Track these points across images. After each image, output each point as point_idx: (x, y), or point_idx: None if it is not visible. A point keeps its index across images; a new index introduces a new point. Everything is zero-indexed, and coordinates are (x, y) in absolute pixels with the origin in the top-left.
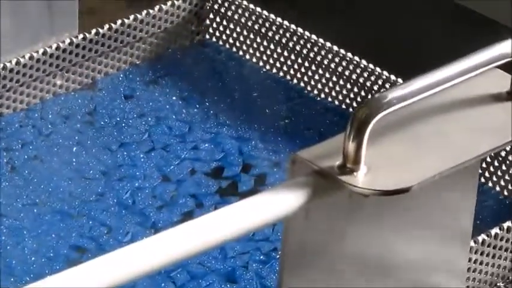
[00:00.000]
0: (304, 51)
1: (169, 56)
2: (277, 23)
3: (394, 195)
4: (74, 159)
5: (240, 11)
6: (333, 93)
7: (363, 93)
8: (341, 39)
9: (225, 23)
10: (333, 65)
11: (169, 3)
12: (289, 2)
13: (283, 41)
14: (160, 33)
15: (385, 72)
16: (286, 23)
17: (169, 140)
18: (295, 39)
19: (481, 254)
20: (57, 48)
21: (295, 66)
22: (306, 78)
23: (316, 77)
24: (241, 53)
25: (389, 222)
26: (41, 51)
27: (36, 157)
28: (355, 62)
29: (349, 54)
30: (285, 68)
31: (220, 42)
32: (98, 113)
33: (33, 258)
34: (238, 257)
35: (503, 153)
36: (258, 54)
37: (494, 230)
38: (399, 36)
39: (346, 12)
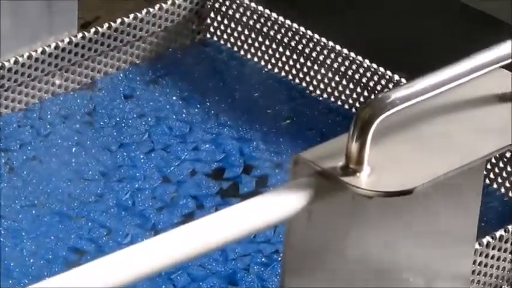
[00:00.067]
0: (307, 50)
1: (170, 55)
2: (279, 22)
3: (397, 196)
4: (73, 160)
5: (241, 9)
6: (336, 93)
7: (365, 93)
8: (344, 38)
9: (226, 21)
10: (335, 65)
11: (169, 1)
12: (291, 0)
13: (285, 40)
14: (161, 32)
15: (388, 72)
16: (288, 22)
17: (170, 141)
18: (297, 38)
19: (486, 256)
20: (56, 47)
21: (297, 66)
22: (308, 78)
23: (319, 76)
24: (242, 52)
25: (393, 224)
26: (39, 50)
27: (35, 158)
28: (358, 62)
29: (352, 54)
30: (286, 68)
31: (222, 42)
32: (98, 113)
33: (31, 260)
34: (240, 259)
35: (508, 154)
36: (259, 53)
37: (499, 232)
38: (403, 36)
39: (349, 11)
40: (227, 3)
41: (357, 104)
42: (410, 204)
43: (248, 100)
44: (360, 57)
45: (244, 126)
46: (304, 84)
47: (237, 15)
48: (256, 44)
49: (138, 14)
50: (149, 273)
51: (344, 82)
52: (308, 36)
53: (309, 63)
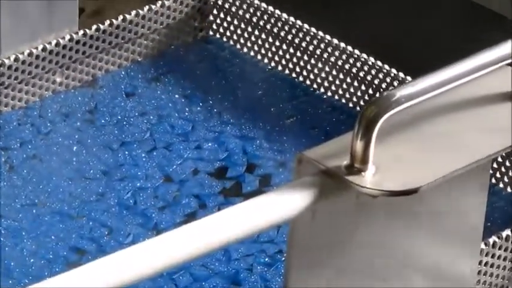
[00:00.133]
0: (311, 48)
1: (172, 52)
2: (283, 19)
3: (402, 196)
4: (74, 159)
5: (244, 6)
6: (340, 91)
7: (370, 91)
8: (348, 36)
9: (229, 19)
10: (340, 62)
11: None
12: None
13: (289, 37)
14: (163, 30)
15: (393, 70)
16: (291, 19)
17: (172, 139)
18: (301, 35)
19: (492, 256)
20: (57, 44)
21: (301, 64)
22: (312, 76)
23: (323, 74)
24: (245, 49)
25: (398, 224)
26: (40, 47)
27: (35, 156)
28: (362, 59)
29: (357, 51)
30: (290, 66)
31: (224, 39)
32: (99, 111)
33: (32, 260)
34: (243, 259)
35: None
36: (262, 51)
37: (506, 232)
38: (408, 33)
39: (354, 8)
40: (230, 0)
41: (362, 102)
42: (416, 203)
43: (251, 98)
44: (364, 55)
45: (248, 125)
46: (308, 82)
47: (240, 12)
48: (260, 42)
49: (140, 11)
50: (151, 274)
51: (348, 80)
52: (312, 34)
53: (312, 61)
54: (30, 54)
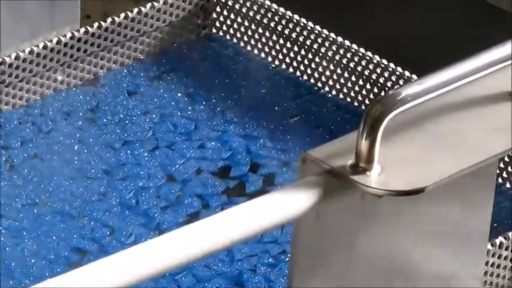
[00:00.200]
0: (315, 46)
1: (175, 50)
2: (287, 17)
3: (408, 195)
4: (75, 158)
5: (248, 4)
6: (345, 90)
7: (375, 89)
8: (354, 34)
9: (232, 16)
10: (344, 61)
11: None
12: None
13: (293, 35)
14: (165, 27)
15: (399, 68)
16: (296, 16)
17: (175, 138)
18: (305, 33)
19: (499, 257)
20: (58, 42)
21: (306, 62)
22: (316, 74)
23: (327, 72)
24: (249, 47)
25: (403, 224)
26: (41, 45)
27: (36, 155)
28: (367, 58)
29: (362, 50)
30: (294, 64)
31: (228, 37)
32: (100, 109)
33: (32, 261)
34: (246, 260)
35: None
36: (266, 49)
37: None
38: (414, 31)
39: (358, 5)
40: None
41: (367, 101)
42: (421, 203)
43: (255, 97)
44: (369, 53)
45: (251, 124)
46: (312, 80)
47: (244, 10)
48: (263, 39)
49: (142, 9)
50: (153, 274)
51: (353, 78)
52: (317, 31)
53: (317, 59)
54: (31, 52)
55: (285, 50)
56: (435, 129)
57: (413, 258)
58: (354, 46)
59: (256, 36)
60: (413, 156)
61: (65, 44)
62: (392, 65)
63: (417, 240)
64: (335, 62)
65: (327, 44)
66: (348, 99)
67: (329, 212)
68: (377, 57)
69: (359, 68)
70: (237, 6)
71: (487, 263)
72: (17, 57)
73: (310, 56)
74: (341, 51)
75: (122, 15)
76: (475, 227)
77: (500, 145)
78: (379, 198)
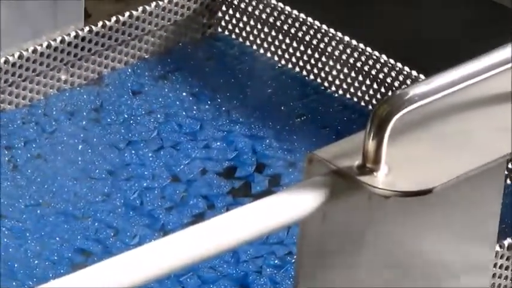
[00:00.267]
0: (322, 45)
1: (180, 50)
2: (293, 16)
3: (416, 196)
4: (79, 158)
5: (254, 3)
6: (351, 90)
7: (382, 89)
8: (360, 33)
9: (238, 15)
10: (351, 60)
11: None
12: None
13: (300, 34)
14: (170, 26)
15: (406, 68)
16: (302, 15)
17: (179, 138)
18: (312, 32)
19: (507, 259)
20: (62, 41)
21: (312, 61)
22: (322, 74)
23: (334, 72)
24: (255, 47)
25: (411, 225)
26: (44, 44)
27: (40, 156)
28: (374, 57)
29: (369, 49)
30: (301, 63)
31: (233, 36)
32: (105, 109)
33: (36, 262)
34: (252, 261)
35: None
36: (272, 48)
37: None
38: (421, 31)
39: (365, 4)
40: None
41: (374, 101)
42: (429, 204)
43: (261, 96)
44: (376, 53)
45: (257, 124)
46: (318, 80)
47: (249, 9)
48: (269, 39)
49: (147, 7)
50: (158, 276)
51: (360, 78)
52: (323, 31)
53: (323, 59)
54: (34, 51)
55: (291, 49)
56: (443, 130)
57: (421, 259)
58: (361, 45)
59: (262, 35)
60: (420, 156)
61: (69, 43)
62: (399, 65)
63: (424, 241)
64: (342, 61)
65: (333, 43)
66: (355, 99)
67: (336, 213)
68: (384, 57)
69: (366, 68)
70: (242, 5)
71: (495, 265)
72: (20, 56)
73: (316, 55)
74: (348, 50)
75: (127, 13)
76: (483, 228)
77: (508, 145)
78: (386, 199)
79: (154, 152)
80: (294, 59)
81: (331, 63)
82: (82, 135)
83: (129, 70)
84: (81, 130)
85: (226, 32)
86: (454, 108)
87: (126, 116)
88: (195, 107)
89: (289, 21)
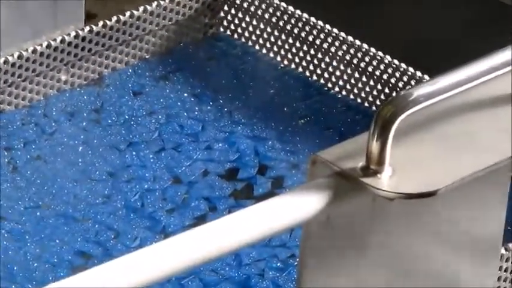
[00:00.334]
0: (325, 45)
1: (181, 50)
2: (296, 16)
3: (420, 198)
4: (79, 159)
5: (256, 2)
6: (355, 90)
7: (387, 90)
8: (364, 34)
9: (240, 15)
10: (355, 60)
11: None
12: None
13: (302, 35)
14: (172, 26)
15: (410, 69)
16: (305, 15)
17: (181, 140)
18: (315, 32)
19: None
20: (62, 41)
21: (315, 62)
22: (326, 75)
23: (337, 73)
24: (257, 47)
25: (415, 227)
26: (44, 44)
27: (39, 157)
28: (378, 58)
29: (373, 49)
30: (304, 64)
31: (235, 36)
32: (105, 110)
33: (35, 264)
34: (254, 264)
35: None
36: (275, 48)
37: None
38: (425, 31)
39: (369, 4)
40: None
41: (378, 102)
42: (433, 206)
43: (263, 97)
44: (380, 53)
45: (259, 125)
46: (322, 80)
47: (252, 9)
48: (272, 39)
49: (148, 7)
50: (159, 278)
51: (364, 79)
52: (326, 31)
53: (327, 59)
54: (34, 51)
55: (294, 50)
56: (447, 131)
57: (425, 261)
58: (365, 45)
59: (265, 35)
60: (425, 158)
61: (69, 43)
62: (403, 65)
63: (428, 243)
64: (345, 61)
65: (336, 43)
66: (359, 100)
67: (339, 215)
68: (388, 57)
69: (370, 68)
70: (245, 5)
71: (500, 268)
72: (20, 57)
73: (319, 55)
74: (351, 51)
75: (128, 13)
76: (488, 231)
77: None
78: (390, 201)
79: (156, 154)
80: (297, 59)
81: (334, 63)
82: (82, 136)
83: (130, 70)
84: (82, 131)
85: (228, 32)
86: (458, 110)
87: (126, 117)
88: (196, 108)
89: (292, 21)
